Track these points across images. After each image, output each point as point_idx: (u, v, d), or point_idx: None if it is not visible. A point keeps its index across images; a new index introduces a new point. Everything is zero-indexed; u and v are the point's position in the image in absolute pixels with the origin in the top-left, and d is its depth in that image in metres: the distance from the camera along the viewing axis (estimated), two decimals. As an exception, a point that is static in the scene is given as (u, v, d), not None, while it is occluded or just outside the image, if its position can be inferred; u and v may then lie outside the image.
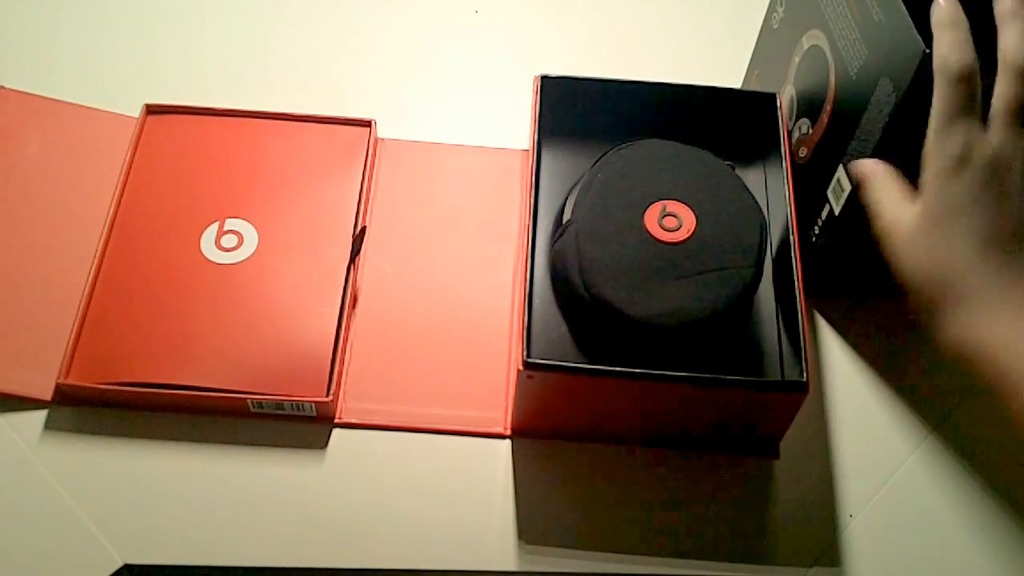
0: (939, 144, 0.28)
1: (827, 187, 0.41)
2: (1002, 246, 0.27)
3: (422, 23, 0.57)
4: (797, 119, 0.44)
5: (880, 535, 0.41)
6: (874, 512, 0.41)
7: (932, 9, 0.28)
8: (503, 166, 0.51)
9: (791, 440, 0.43)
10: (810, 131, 0.43)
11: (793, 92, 0.44)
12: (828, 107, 0.41)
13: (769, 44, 0.47)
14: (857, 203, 0.39)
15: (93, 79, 0.52)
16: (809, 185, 0.44)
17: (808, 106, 0.43)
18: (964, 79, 0.27)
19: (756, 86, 0.49)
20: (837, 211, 0.41)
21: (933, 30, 0.28)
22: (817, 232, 0.43)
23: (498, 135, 0.52)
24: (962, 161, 0.27)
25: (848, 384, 0.45)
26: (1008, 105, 0.27)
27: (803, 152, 0.44)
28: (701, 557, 0.40)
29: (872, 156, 0.38)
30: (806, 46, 0.43)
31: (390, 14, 0.57)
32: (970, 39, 0.27)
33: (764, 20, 0.48)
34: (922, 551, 0.41)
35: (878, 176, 0.31)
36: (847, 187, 0.39)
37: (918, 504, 0.42)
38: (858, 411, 0.44)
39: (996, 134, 0.27)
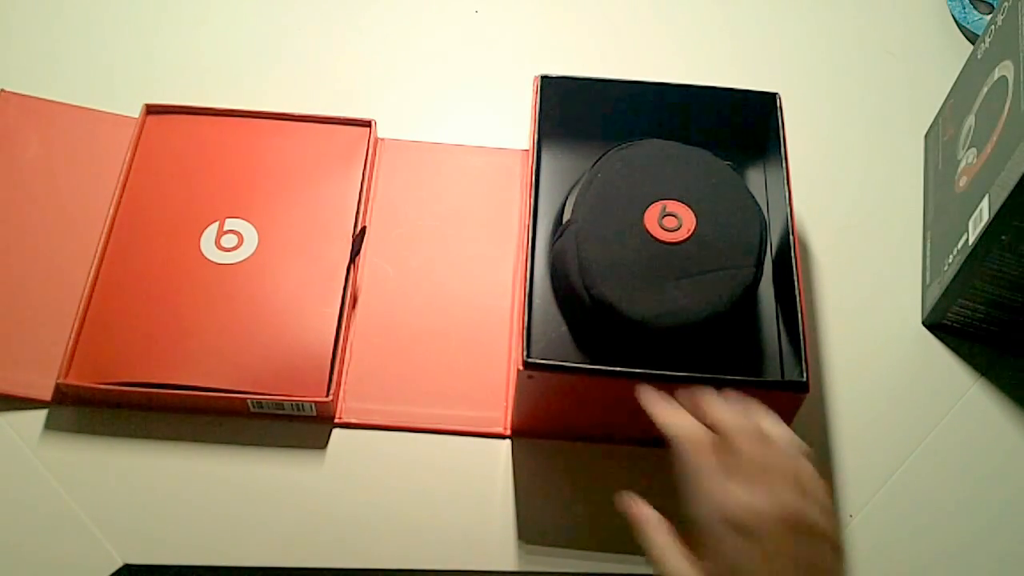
0: (705, 510, 0.28)
1: (970, 217, 0.42)
2: None
3: (422, 23, 0.57)
4: (967, 148, 0.45)
5: (880, 535, 0.41)
6: (874, 512, 0.42)
7: (641, 398, 0.31)
8: (503, 166, 0.51)
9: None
10: (974, 160, 0.43)
11: (972, 122, 0.45)
12: (994, 138, 0.41)
13: (969, 74, 0.48)
14: (991, 236, 0.39)
15: (93, 80, 0.53)
16: (958, 216, 0.44)
17: (979, 136, 0.44)
18: (703, 443, 0.29)
19: (948, 114, 0.49)
20: (971, 240, 0.41)
21: (650, 414, 0.31)
22: (950, 261, 0.43)
23: (498, 135, 0.52)
24: (736, 525, 0.28)
25: (848, 384, 0.45)
26: (752, 464, 0.28)
27: (963, 182, 0.44)
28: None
29: (1011, 197, 0.37)
30: (995, 77, 0.43)
31: (390, 14, 0.58)
32: (687, 415, 0.30)
33: (972, 50, 0.48)
34: (922, 551, 0.41)
35: (650, 526, 0.31)
36: (985, 218, 0.40)
37: (918, 504, 0.42)
38: (858, 411, 0.44)
39: (754, 493, 0.28)
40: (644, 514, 0.32)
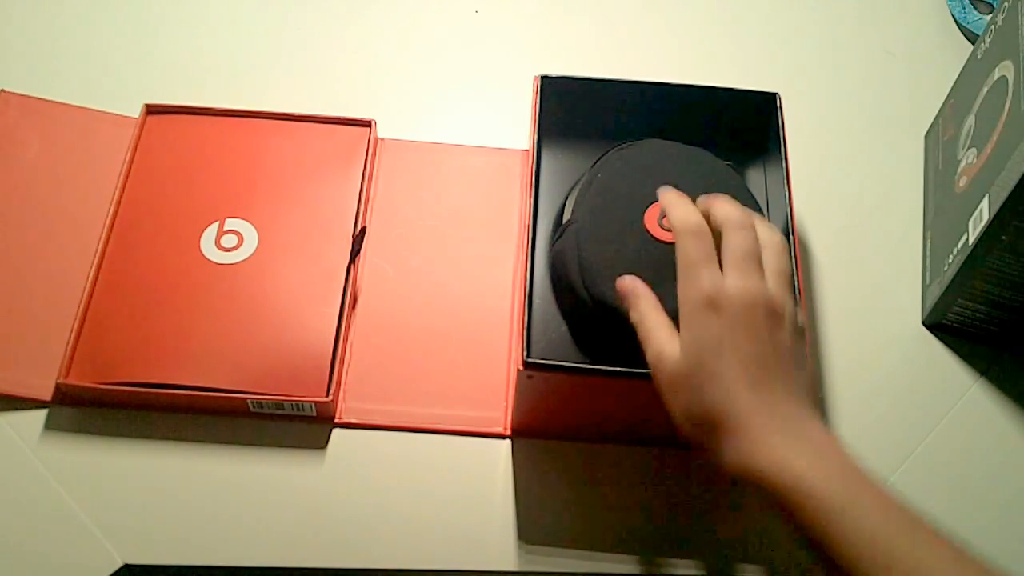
0: (687, 290, 0.32)
1: (970, 217, 0.42)
2: (760, 377, 0.31)
3: (422, 23, 0.57)
4: (967, 148, 0.45)
5: None
6: None
7: (660, 196, 0.35)
8: (503, 166, 0.51)
9: None
10: (974, 160, 0.43)
11: (972, 122, 0.45)
12: (994, 138, 0.41)
13: (969, 74, 0.48)
14: (991, 237, 0.40)
15: (93, 80, 0.52)
16: (958, 216, 0.44)
17: (979, 136, 0.44)
18: (700, 234, 0.33)
19: (948, 114, 0.49)
20: (972, 240, 0.41)
21: (664, 209, 0.35)
22: (950, 261, 0.43)
23: (498, 135, 0.52)
24: (710, 303, 0.32)
25: (848, 384, 0.45)
26: (734, 253, 0.32)
27: (963, 182, 0.44)
28: (702, 556, 0.40)
29: (1011, 198, 0.38)
30: (995, 77, 0.43)
31: (390, 14, 0.58)
32: (696, 210, 0.34)
33: (972, 50, 0.48)
34: None
35: (640, 298, 0.34)
36: (985, 218, 0.40)
37: (918, 504, 0.41)
38: (858, 411, 0.44)
39: (731, 277, 0.32)
40: (635, 286, 0.35)
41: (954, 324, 0.46)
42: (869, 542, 0.28)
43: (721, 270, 0.32)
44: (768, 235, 0.34)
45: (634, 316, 0.35)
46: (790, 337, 0.32)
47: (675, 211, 0.34)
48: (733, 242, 0.33)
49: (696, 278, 0.32)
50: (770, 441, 0.30)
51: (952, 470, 0.43)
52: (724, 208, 0.34)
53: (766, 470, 0.30)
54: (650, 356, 0.33)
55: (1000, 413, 0.44)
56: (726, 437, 0.31)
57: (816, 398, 0.33)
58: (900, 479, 0.42)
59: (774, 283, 0.33)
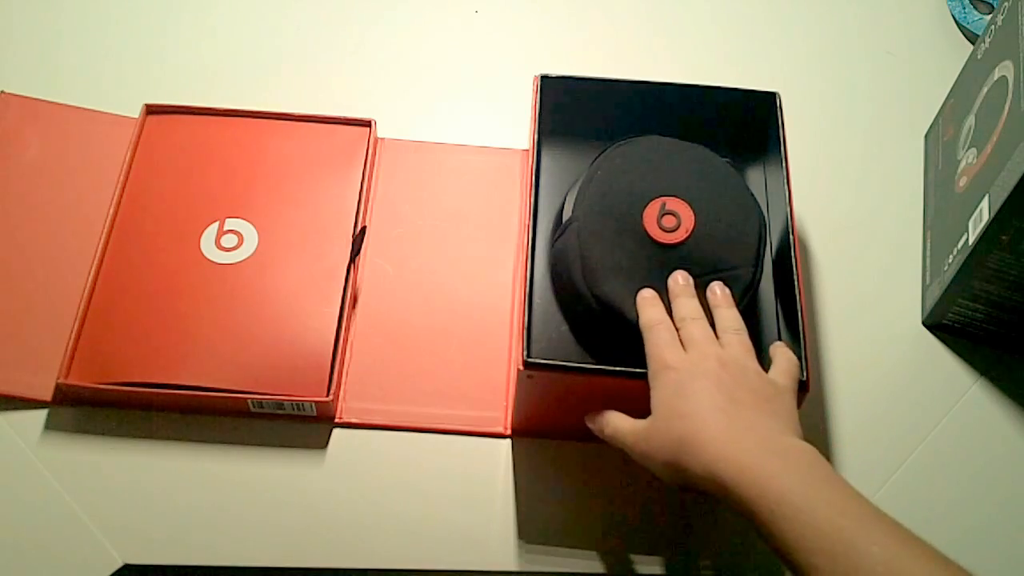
0: (653, 366, 0.36)
1: (970, 217, 0.42)
2: (726, 407, 0.34)
3: (422, 23, 0.57)
4: (967, 148, 0.45)
5: None
6: (881, 504, 0.40)
7: (637, 300, 0.40)
8: (503, 166, 0.51)
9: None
10: (974, 160, 0.43)
11: (972, 122, 0.45)
12: (994, 138, 0.42)
13: (969, 74, 0.48)
14: (991, 237, 0.40)
15: (93, 81, 0.53)
16: (958, 216, 0.44)
17: (979, 136, 0.44)
18: (662, 325, 0.37)
19: (948, 114, 0.50)
20: (971, 240, 0.41)
21: (637, 310, 0.39)
22: (950, 261, 0.43)
23: (498, 135, 0.52)
24: (672, 368, 0.36)
25: (848, 384, 0.45)
26: (691, 337, 0.37)
27: (963, 182, 0.44)
28: (702, 556, 0.40)
29: (1011, 198, 0.38)
30: (995, 77, 0.43)
31: (390, 14, 0.58)
32: (661, 306, 0.39)
33: (972, 50, 0.48)
34: None
35: (611, 418, 0.38)
36: (985, 218, 0.40)
37: (918, 504, 0.42)
38: (858, 411, 0.44)
39: (689, 351, 0.37)
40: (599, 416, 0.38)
41: (954, 324, 0.46)
42: (826, 539, 0.29)
43: (675, 346, 0.37)
44: (724, 316, 0.38)
45: (605, 435, 0.38)
46: (756, 382, 0.35)
47: (642, 311, 0.39)
48: (687, 332, 0.37)
49: (661, 357, 0.36)
50: (736, 447, 0.32)
51: (952, 470, 0.43)
52: (682, 308, 0.38)
53: (728, 476, 0.31)
54: (624, 436, 0.37)
55: (1000, 413, 0.44)
56: (695, 451, 0.32)
57: (796, 428, 0.34)
58: (900, 479, 0.42)
59: (732, 347, 0.36)
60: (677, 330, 0.37)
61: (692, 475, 0.32)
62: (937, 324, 0.47)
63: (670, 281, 0.40)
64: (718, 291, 0.40)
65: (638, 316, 0.38)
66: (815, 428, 0.44)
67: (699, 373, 0.35)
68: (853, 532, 0.29)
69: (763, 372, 0.36)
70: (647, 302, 0.39)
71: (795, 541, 0.29)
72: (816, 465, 0.31)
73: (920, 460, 0.43)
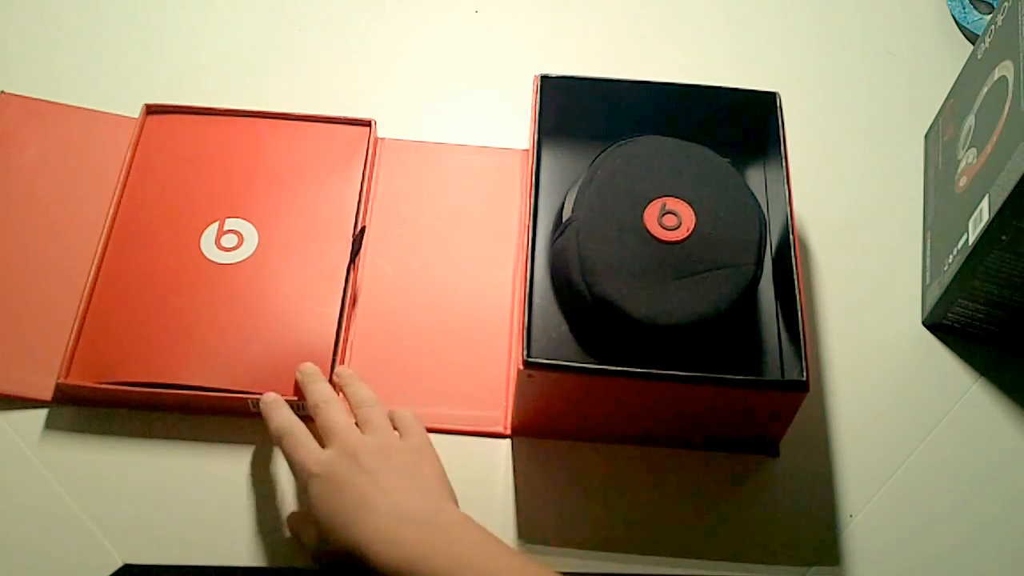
0: (309, 486, 0.36)
1: (970, 217, 0.42)
2: (372, 495, 0.35)
3: (422, 23, 0.57)
4: (967, 148, 0.45)
5: (880, 535, 0.41)
6: (874, 512, 0.42)
7: (261, 406, 0.39)
8: (503, 166, 0.51)
9: (791, 439, 0.43)
10: (974, 161, 0.43)
11: (972, 122, 0.45)
12: (994, 138, 0.42)
13: (969, 74, 0.48)
14: (991, 237, 0.40)
15: (92, 81, 0.53)
16: (958, 216, 0.44)
17: (979, 136, 0.44)
18: (290, 431, 0.37)
19: (948, 114, 0.50)
20: (971, 240, 0.41)
21: (264, 418, 0.39)
22: (950, 261, 0.43)
23: (498, 135, 0.52)
24: (311, 472, 0.36)
25: (848, 384, 0.45)
26: (330, 424, 0.38)
27: (963, 182, 0.44)
28: (702, 556, 0.40)
29: (1011, 198, 0.38)
30: (995, 77, 0.43)
31: (389, 14, 0.58)
32: (287, 407, 0.39)
33: (972, 50, 0.48)
34: (922, 551, 0.41)
35: (294, 435, 0.38)
36: (985, 218, 0.40)
37: (917, 504, 0.42)
38: (858, 411, 0.44)
39: (333, 445, 0.37)
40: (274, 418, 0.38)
41: (954, 324, 0.46)
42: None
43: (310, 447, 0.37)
44: (356, 389, 0.40)
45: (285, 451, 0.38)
46: (399, 461, 0.36)
47: (270, 417, 0.39)
48: (323, 417, 0.38)
49: (302, 465, 0.37)
50: (400, 551, 0.33)
51: (952, 470, 0.43)
52: (319, 415, 0.38)
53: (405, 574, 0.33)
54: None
55: (1000, 413, 0.44)
56: (365, 559, 0.33)
57: (446, 489, 0.36)
58: (900, 479, 0.42)
59: (370, 425, 0.38)
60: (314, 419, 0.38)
61: (352, 549, 0.34)
62: (937, 324, 0.47)
63: (297, 373, 0.40)
64: (342, 372, 0.41)
65: (268, 424, 0.38)
66: (815, 428, 0.43)
67: (344, 475, 0.35)
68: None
69: (401, 443, 0.37)
70: (271, 406, 0.39)
71: None
72: (473, 529, 0.34)
73: (920, 460, 0.43)
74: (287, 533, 0.40)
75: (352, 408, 0.39)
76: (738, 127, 0.48)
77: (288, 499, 0.41)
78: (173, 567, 0.39)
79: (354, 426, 0.38)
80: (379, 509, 0.34)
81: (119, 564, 0.38)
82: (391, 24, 0.57)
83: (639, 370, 0.38)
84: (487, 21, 0.58)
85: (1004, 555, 0.40)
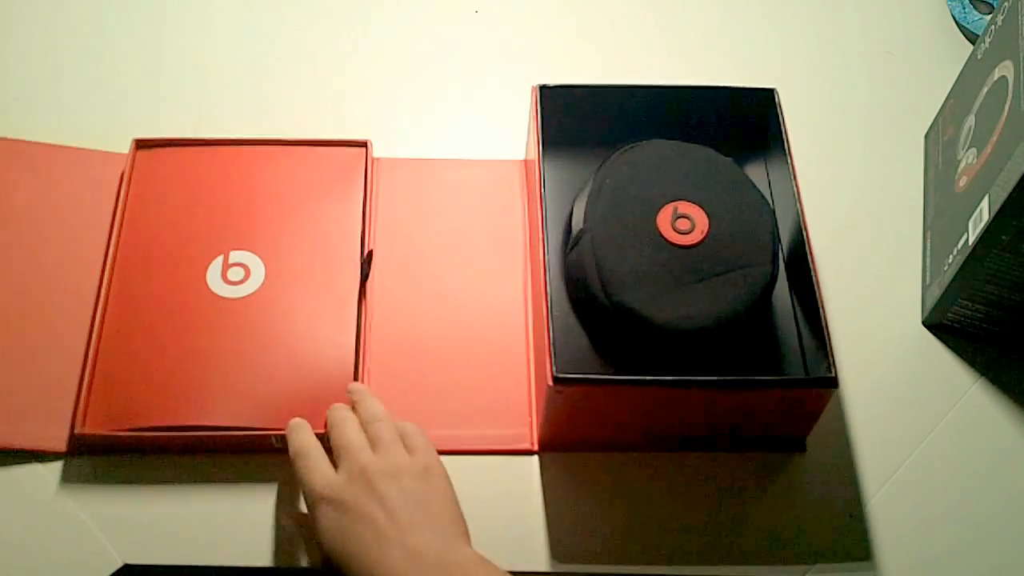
0: (318, 508, 0.37)
1: (970, 217, 0.43)
2: (388, 528, 0.35)
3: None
4: (967, 148, 0.45)
5: (879, 535, 0.42)
6: (874, 512, 0.43)
7: (287, 428, 0.40)
8: (501, 178, 0.51)
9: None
10: (974, 161, 0.44)
11: (972, 122, 0.46)
12: (994, 138, 0.42)
13: (969, 74, 0.49)
14: (991, 237, 0.41)
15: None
16: (958, 216, 0.45)
17: (979, 136, 0.45)
18: (300, 456, 0.38)
19: (948, 114, 0.50)
20: (971, 240, 0.42)
21: (287, 438, 0.40)
22: (950, 261, 0.44)
23: (492, 146, 0.53)
24: (328, 501, 0.37)
25: (848, 384, 0.46)
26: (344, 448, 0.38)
27: (963, 182, 0.45)
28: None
29: (1011, 198, 0.38)
30: (995, 77, 0.44)
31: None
32: (309, 429, 0.40)
33: (972, 50, 0.49)
34: (922, 551, 0.42)
35: (308, 453, 0.39)
36: (985, 218, 0.41)
37: (917, 504, 0.43)
38: (858, 411, 0.45)
39: (344, 467, 0.38)
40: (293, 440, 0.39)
41: (954, 324, 0.48)
42: None
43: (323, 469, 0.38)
44: (368, 403, 0.40)
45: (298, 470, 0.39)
46: (410, 488, 0.37)
47: (290, 437, 0.39)
48: (336, 440, 0.38)
49: (312, 486, 0.37)
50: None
51: (952, 470, 0.44)
52: (334, 434, 0.39)
53: None
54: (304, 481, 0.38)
55: (1000, 413, 0.46)
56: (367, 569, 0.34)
57: (459, 527, 0.36)
58: (900, 479, 0.44)
59: (386, 456, 0.38)
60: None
61: None
62: (937, 324, 0.48)
63: (350, 389, 0.41)
64: (355, 387, 0.42)
65: (290, 443, 0.39)
66: (815, 428, 0.44)
67: (355, 501, 0.35)
68: None
69: (411, 464, 0.37)
70: (294, 428, 0.39)
71: None
72: (486, 569, 0.34)
73: (920, 460, 0.44)
74: (287, 532, 0.40)
75: (363, 424, 0.39)
76: (738, 127, 0.49)
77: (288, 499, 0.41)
78: (173, 567, 0.40)
79: (366, 445, 0.38)
80: (392, 549, 0.34)
81: (119, 564, 0.39)
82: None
83: (670, 378, 0.39)
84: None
85: (1004, 555, 0.42)
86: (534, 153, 0.45)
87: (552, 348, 0.39)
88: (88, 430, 0.41)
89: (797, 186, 0.44)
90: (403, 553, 0.34)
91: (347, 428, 0.38)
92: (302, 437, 0.39)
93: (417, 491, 0.36)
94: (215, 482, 0.41)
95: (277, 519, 0.40)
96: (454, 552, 0.35)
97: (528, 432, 0.43)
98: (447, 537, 0.35)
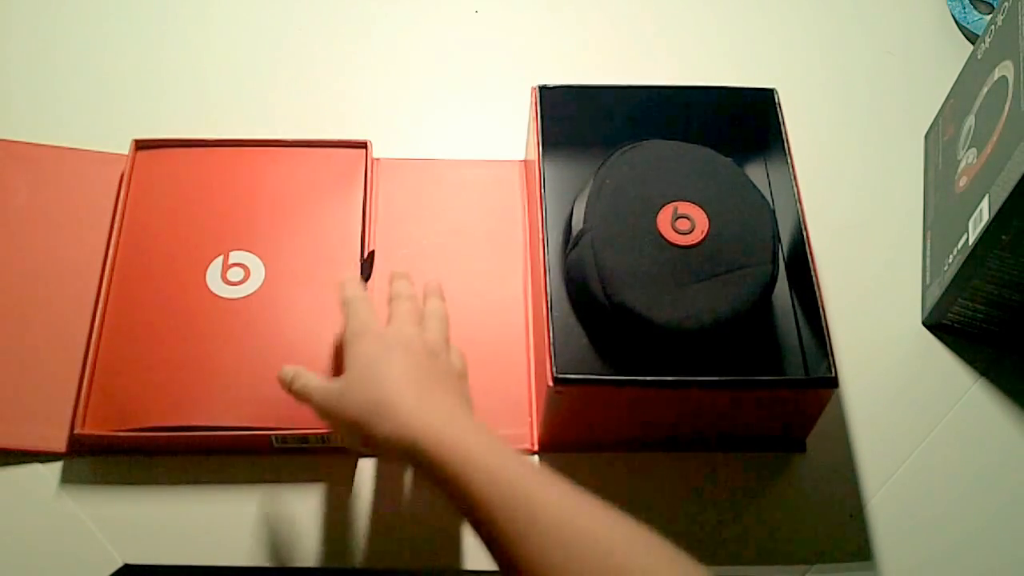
0: (353, 327, 0.38)
1: (970, 217, 0.43)
2: (418, 378, 0.36)
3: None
4: (967, 148, 0.46)
5: (879, 535, 0.43)
6: (874, 512, 0.43)
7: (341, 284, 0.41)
8: (501, 178, 0.51)
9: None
10: (974, 161, 0.44)
11: (972, 122, 0.46)
12: (994, 138, 0.42)
13: (969, 74, 0.49)
14: (991, 237, 0.41)
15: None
16: (958, 216, 0.45)
17: (979, 136, 0.45)
18: (360, 300, 0.40)
19: (948, 114, 0.51)
20: (971, 240, 0.42)
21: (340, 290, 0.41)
22: (950, 261, 0.45)
23: (491, 147, 0.53)
24: (372, 333, 0.38)
25: (848, 384, 0.46)
26: (397, 313, 0.40)
27: (963, 182, 0.45)
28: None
29: (1011, 198, 0.39)
30: (995, 77, 0.44)
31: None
32: (362, 287, 0.41)
33: (972, 50, 0.49)
34: (922, 551, 0.42)
35: (301, 374, 0.39)
36: (985, 218, 0.41)
37: (917, 504, 0.44)
38: (858, 411, 0.46)
39: (392, 325, 0.39)
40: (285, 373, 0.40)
41: (954, 324, 0.48)
42: (508, 494, 0.32)
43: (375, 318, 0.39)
44: (434, 305, 0.41)
45: (297, 390, 0.39)
46: (446, 367, 0.38)
47: (344, 289, 0.41)
48: (395, 307, 0.40)
49: (363, 322, 0.39)
50: (427, 415, 0.35)
51: (952, 470, 0.45)
52: (396, 285, 0.41)
53: (419, 435, 0.34)
54: (307, 391, 0.38)
55: (1000, 413, 0.46)
56: (389, 414, 0.35)
57: (472, 413, 0.37)
58: (900, 479, 0.44)
59: (432, 332, 0.39)
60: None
61: (380, 437, 0.35)
62: (937, 324, 0.48)
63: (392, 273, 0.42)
64: (433, 283, 0.42)
65: (342, 292, 0.40)
66: (815, 427, 0.45)
67: (399, 345, 0.37)
68: (532, 488, 0.32)
69: (451, 363, 0.39)
70: (349, 284, 0.41)
71: (479, 497, 0.32)
72: (496, 439, 0.35)
73: (920, 460, 0.45)
74: (287, 532, 0.40)
75: (390, 298, 0.40)
76: (738, 127, 0.49)
77: (289, 499, 0.41)
78: (173, 567, 0.40)
79: (420, 323, 0.39)
80: (420, 383, 0.35)
81: (119, 564, 0.39)
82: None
83: (670, 378, 0.39)
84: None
85: (1004, 555, 0.42)
86: (534, 153, 0.46)
87: (552, 348, 0.39)
88: (88, 430, 0.41)
89: (797, 186, 0.44)
90: (423, 395, 0.34)
91: (402, 302, 0.39)
92: (356, 290, 0.40)
93: (450, 377, 0.37)
94: (215, 482, 0.42)
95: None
96: (470, 418, 0.35)
97: (528, 432, 0.43)
98: (466, 407, 0.36)
